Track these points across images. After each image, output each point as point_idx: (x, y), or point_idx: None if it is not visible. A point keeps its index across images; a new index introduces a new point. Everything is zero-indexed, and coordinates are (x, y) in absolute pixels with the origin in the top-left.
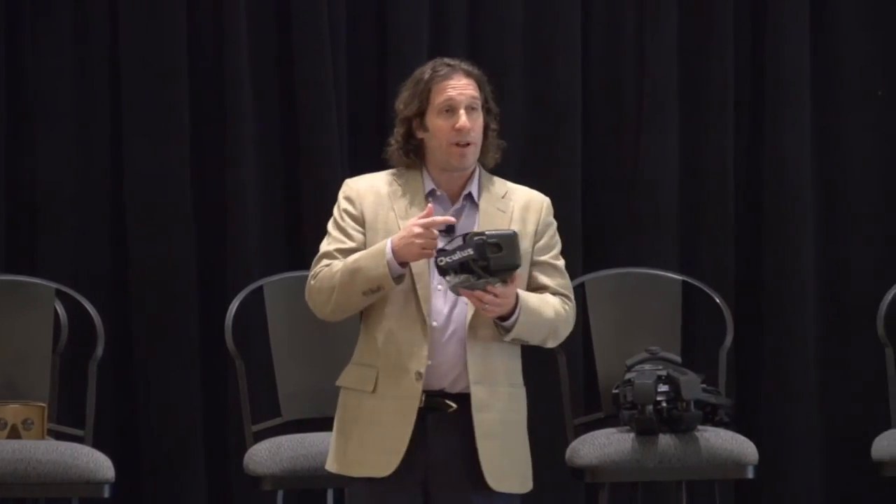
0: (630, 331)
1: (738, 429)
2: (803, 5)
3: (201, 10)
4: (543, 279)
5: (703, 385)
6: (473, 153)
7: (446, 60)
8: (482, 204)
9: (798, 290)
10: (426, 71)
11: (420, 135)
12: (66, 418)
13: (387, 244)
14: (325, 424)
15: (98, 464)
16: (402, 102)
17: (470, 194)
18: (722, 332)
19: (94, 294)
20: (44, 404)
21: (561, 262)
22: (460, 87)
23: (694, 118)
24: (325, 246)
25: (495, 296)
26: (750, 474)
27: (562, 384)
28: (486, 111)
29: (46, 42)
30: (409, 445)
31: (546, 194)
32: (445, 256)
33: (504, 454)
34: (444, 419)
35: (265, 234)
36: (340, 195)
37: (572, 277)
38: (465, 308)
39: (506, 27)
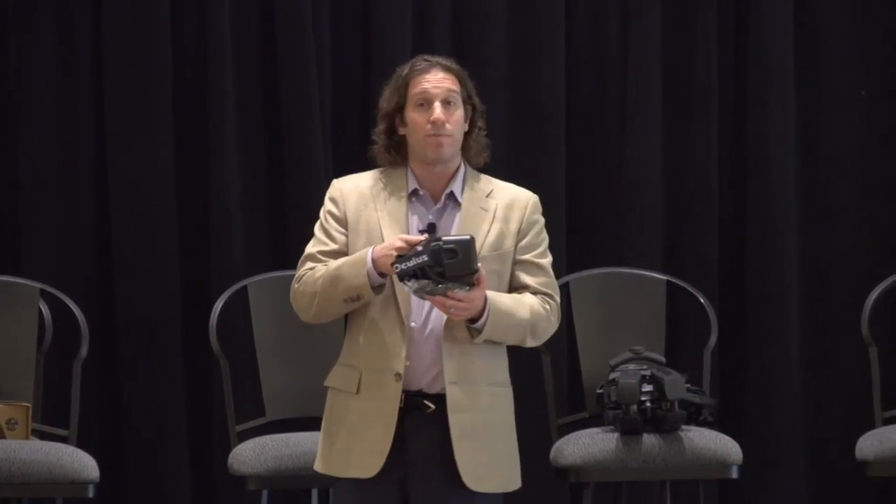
0: (614, 330)
1: (723, 429)
2: (786, 4)
3: (185, 11)
4: (525, 278)
5: (688, 385)
6: (450, 145)
7: (426, 57)
8: (464, 203)
9: (782, 290)
10: (406, 67)
11: (401, 131)
12: (51, 418)
13: (368, 253)
14: (309, 424)
15: (82, 464)
16: (384, 99)
17: (452, 193)
18: (706, 332)
19: (78, 294)
20: (28, 404)
21: (545, 261)
22: (436, 80)
23: (677, 117)
24: (310, 248)
25: (459, 300)
26: (734, 474)
27: (546, 384)
28: (472, 108)
29: (30, 43)
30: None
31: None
32: (402, 263)
33: (484, 454)
34: (423, 419)
35: (249, 234)
36: (326, 196)
37: (556, 277)
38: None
39: (489, 26)
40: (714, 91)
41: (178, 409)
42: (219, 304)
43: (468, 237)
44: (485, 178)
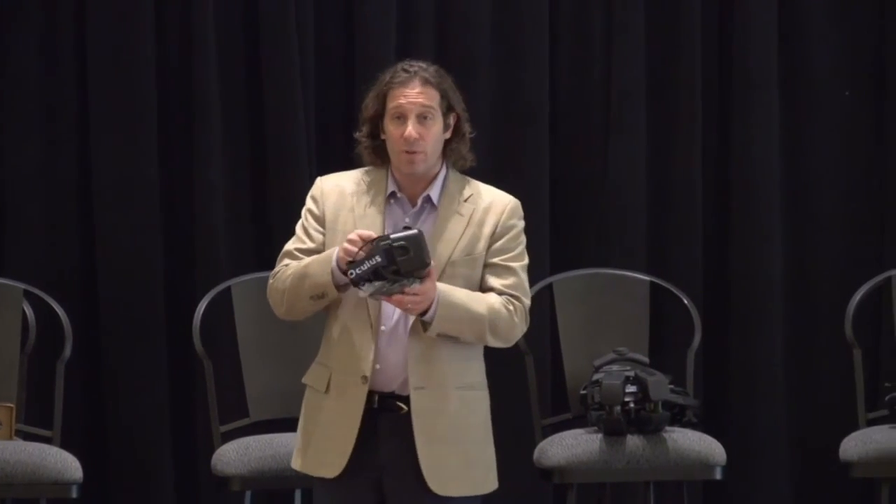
0: (598, 331)
1: (706, 430)
2: (771, 6)
3: (169, 11)
4: (491, 280)
5: (672, 386)
6: (422, 160)
7: (407, 66)
8: (441, 207)
9: (766, 291)
10: (388, 74)
11: (382, 136)
12: (34, 419)
13: (334, 251)
14: (292, 425)
15: (66, 464)
16: (366, 104)
17: (429, 197)
18: (690, 333)
19: (61, 295)
20: (12, 405)
21: (517, 264)
22: (412, 95)
23: (662, 119)
24: (288, 245)
25: (414, 294)
26: (718, 475)
27: (529, 385)
28: (456, 117)
29: (13, 42)
30: (362, 446)
31: (513, 194)
32: (355, 268)
33: (453, 458)
34: (397, 420)
35: (233, 234)
36: (309, 193)
37: (540, 278)
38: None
39: (473, 29)
40: (698, 92)
41: (162, 409)
42: (202, 305)
43: (416, 231)
44: (468, 182)
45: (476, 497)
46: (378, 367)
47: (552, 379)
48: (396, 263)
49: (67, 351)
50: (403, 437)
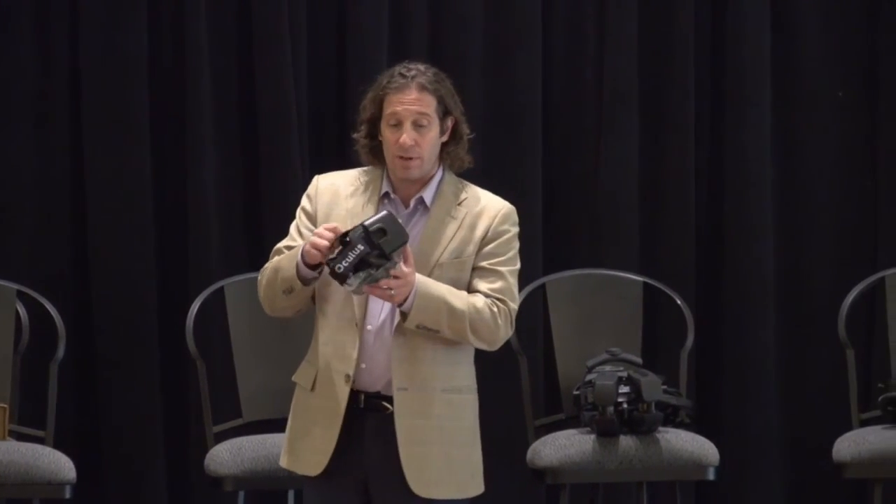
0: (591, 332)
1: (699, 430)
2: (764, 7)
3: (162, 12)
4: (478, 283)
5: (665, 386)
6: (417, 166)
7: (405, 70)
8: (433, 210)
9: (759, 292)
10: (385, 78)
11: (379, 137)
12: (28, 419)
13: (301, 245)
14: (285, 425)
15: (59, 465)
16: (364, 103)
17: (422, 199)
18: (683, 334)
19: (54, 295)
20: (5, 405)
21: (506, 269)
22: (408, 102)
23: (654, 119)
24: (279, 243)
25: (397, 278)
26: (711, 476)
27: (522, 385)
28: (453, 120)
29: (6, 42)
30: (347, 446)
31: (506, 195)
32: (338, 262)
33: (436, 461)
34: (383, 421)
35: (225, 235)
36: (305, 192)
37: (532, 278)
38: (397, 312)
39: (466, 29)
40: (691, 93)
41: (155, 410)
42: (195, 306)
43: (385, 212)
44: (464, 185)
45: (461, 500)
46: (363, 366)
47: (545, 379)
48: (379, 246)
49: (61, 351)
50: (388, 438)
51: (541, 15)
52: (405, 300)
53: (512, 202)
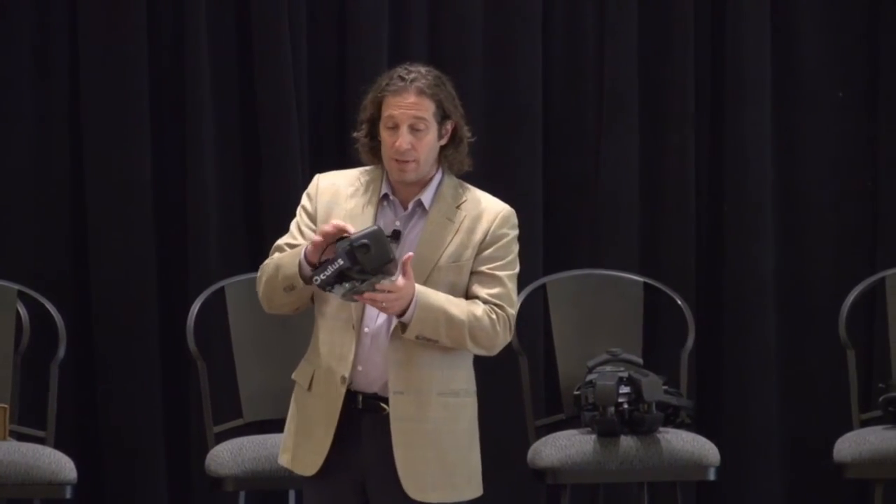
0: (591, 332)
1: (700, 430)
2: (763, 6)
3: (161, 11)
4: (477, 289)
5: (665, 387)
6: (414, 170)
7: (405, 73)
8: (431, 212)
9: (759, 292)
10: (385, 79)
11: (378, 138)
12: (28, 419)
13: (305, 244)
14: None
15: (60, 465)
16: (365, 103)
17: (420, 201)
18: (683, 334)
19: (55, 295)
20: (5, 405)
21: (504, 273)
22: (405, 105)
23: (654, 119)
24: (279, 240)
25: (388, 291)
26: (711, 476)
27: (523, 385)
28: (453, 124)
29: (4, 42)
30: (345, 446)
31: (506, 195)
32: (320, 273)
33: (431, 464)
34: (380, 422)
35: (226, 234)
36: (306, 190)
37: (533, 279)
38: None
39: (466, 29)
40: (691, 93)
41: (156, 410)
42: (196, 306)
43: (374, 227)
44: (464, 187)
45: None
46: (360, 368)
47: (546, 380)
48: (360, 262)
49: (61, 352)
50: (385, 439)
51: (541, 15)
52: (405, 311)
53: (512, 203)
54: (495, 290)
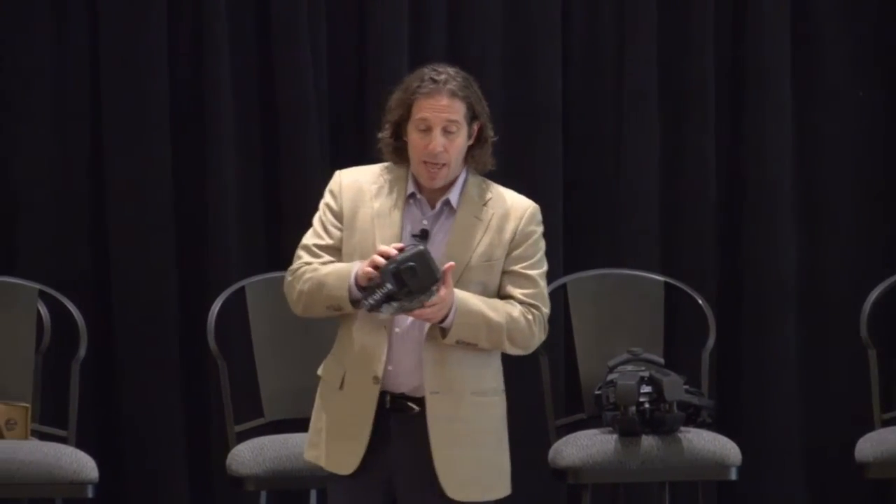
0: (612, 332)
1: (721, 430)
2: (784, 6)
3: (181, 11)
4: (511, 289)
5: (686, 386)
6: (445, 174)
7: (435, 74)
8: (459, 211)
9: (780, 291)
10: (415, 80)
11: (405, 138)
12: (49, 419)
13: (353, 268)
14: (307, 425)
15: (81, 464)
16: (392, 104)
17: (448, 200)
18: (704, 334)
19: (76, 295)
20: (27, 405)
21: (536, 272)
22: (439, 108)
23: (674, 118)
24: (306, 238)
25: (433, 305)
26: (733, 475)
27: (544, 385)
28: (479, 124)
29: (26, 43)
30: (373, 445)
31: (527, 194)
32: (368, 298)
33: (466, 463)
34: (409, 421)
35: (246, 234)
36: (327, 187)
37: (554, 278)
38: None
39: (485, 28)
40: (711, 91)
41: (177, 410)
42: (216, 306)
43: (420, 248)
44: (487, 184)
45: (489, 502)
46: (390, 368)
47: (566, 379)
48: (407, 285)
49: (82, 351)
50: (415, 438)
51: (560, 14)
52: (445, 317)
53: (533, 201)
54: (529, 290)
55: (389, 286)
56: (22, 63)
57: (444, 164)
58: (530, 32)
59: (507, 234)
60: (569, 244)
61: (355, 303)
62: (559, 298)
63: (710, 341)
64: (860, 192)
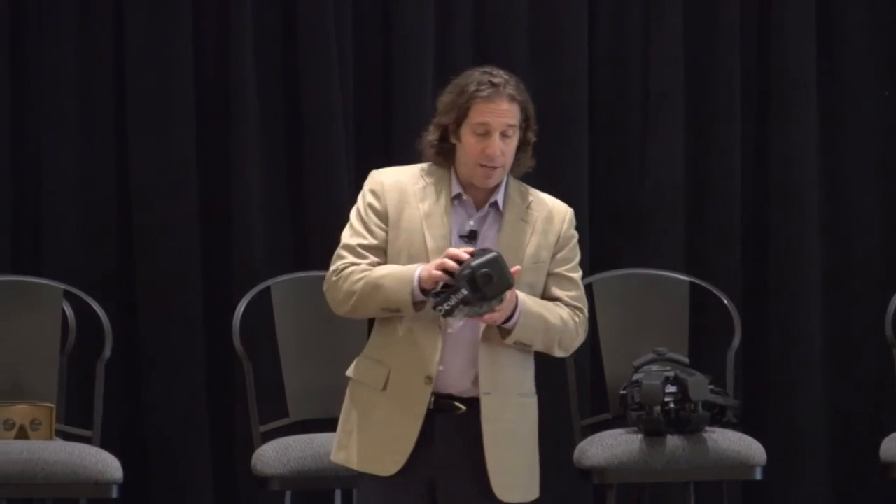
0: (637, 332)
1: (746, 430)
2: (809, 6)
3: (206, 11)
4: (556, 290)
5: (711, 386)
6: (499, 175)
7: (491, 77)
8: (506, 214)
9: (805, 291)
10: (471, 84)
11: (453, 140)
12: (74, 419)
13: (415, 272)
14: (332, 425)
15: (106, 464)
16: (442, 106)
17: (496, 202)
18: (729, 333)
19: (101, 295)
20: (51, 405)
21: (577, 275)
22: (500, 112)
23: (700, 118)
24: (348, 238)
25: (500, 309)
26: (758, 475)
27: (569, 385)
28: (526, 128)
29: (51, 42)
30: (417, 445)
31: (552, 195)
32: (443, 303)
33: (511, 464)
34: (453, 422)
35: (271, 234)
36: (366, 186)
37: None
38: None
39: (511, 27)
40: (736, 91)
41: (201, 409)
42: (241, 306)
43: (495, 254)
44: (525, 187)
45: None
46: (441, 368)
47: (592, 379)
48: (482, 290)
49: (107, 351)
50: (462, 439)
51: (586, 14)
52: (509, 318)
53: (563, 199)
54: (573, 293)
55: (465, 292)
56: (47, 65)
57: (500, 167)
58: (556, 33)
59: (552, 237)
60: (594, 244)
61: (417, 305)
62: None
63: (736, 341)
64: (885, 192)
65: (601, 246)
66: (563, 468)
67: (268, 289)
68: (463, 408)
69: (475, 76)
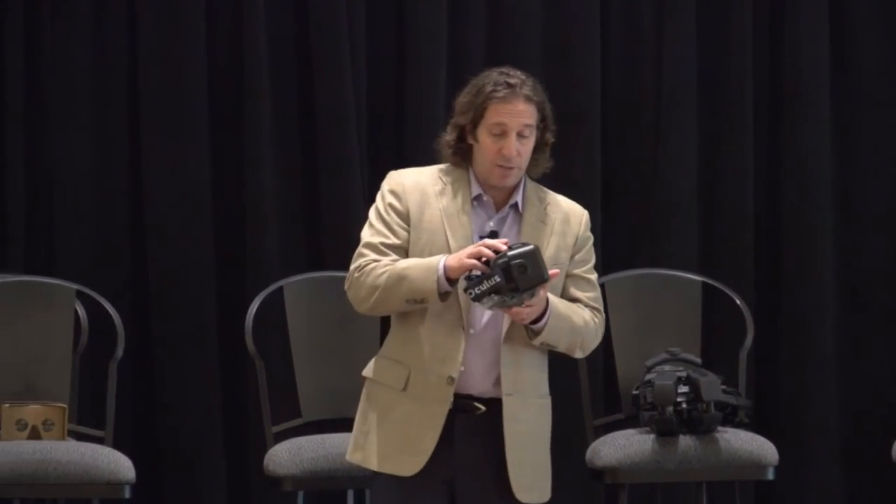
0: (650, 332)
1: (759, 430)
2: (822, 6)
3: (220, 11)
4: (576, 292)
5: (724, 386)
6: (516, 176)
7: (507, 77)
8: (526, 214)
9: (817, 291)
10: (488, 84)
11: (470, 141)
12: (87, 419)
13: (440, 261)
14: (345, 425)
15: (118, 464)
16: (460, 106)
17: (515, 203)
18: (742, 334)
19: (113, 295)
20: (64, 405)
21: (594, 276)
22: (516, 113)
23: (713, 119)
24: (369, 237)
25: (530, 306)
26: (770, 475)
27: (582, 385)
28: (543, 129)
29: (65, 43)
30: (437, 446)
31: (565, 194)
32: (474, 287)
33: (530, 465)
34: (473, 422)
35: (284, 235)
36: (385, 186)
37: None
38: (502, 317)
39: (524, 28)
40: (749, 92)
41: (214, 410)
42: (254, 306)
43: (532, 247)
44: (541, 189)
45: None
46: (463, 369)
47: (604, 379)
48: (515, 281)
49: (119, 351)
50: (481, 439)
51: (599, 14)
52: (538, 320)
53: (575, 200)
54: (591, 294)
55: (497, 279)
56: (61, 66)
57: (516, 167)
58: (569, 32)
59: (570, 238)
60: (607, 244)
61: (443, 295)
62: None
63: (748, 341)
64: None
65: (614, 246)
66: (575, 468)
67: (281, 289)
68: (483, 408)
69: (492, 76)
